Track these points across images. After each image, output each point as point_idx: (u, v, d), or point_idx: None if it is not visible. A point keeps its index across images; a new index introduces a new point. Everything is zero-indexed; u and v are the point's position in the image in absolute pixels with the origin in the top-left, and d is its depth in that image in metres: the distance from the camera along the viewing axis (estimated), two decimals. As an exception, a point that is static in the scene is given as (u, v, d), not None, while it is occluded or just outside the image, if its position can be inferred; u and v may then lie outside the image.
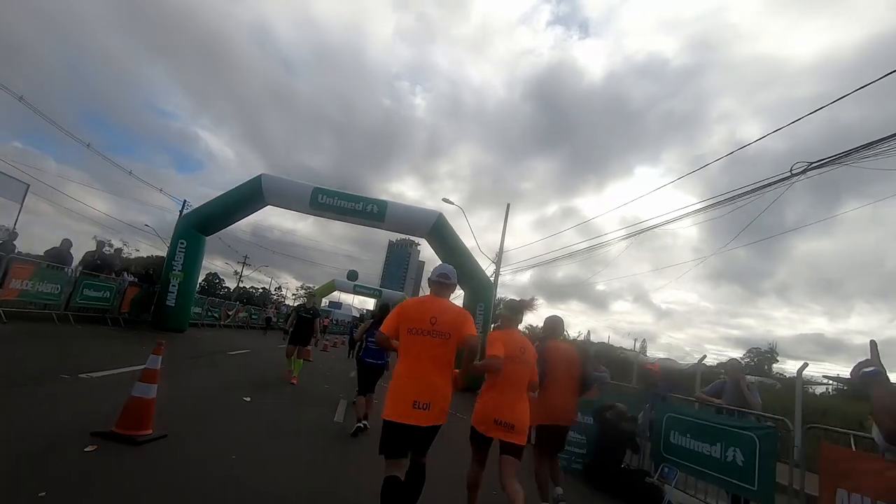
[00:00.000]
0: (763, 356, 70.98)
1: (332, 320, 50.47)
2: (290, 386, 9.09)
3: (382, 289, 49.11)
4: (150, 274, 15.50)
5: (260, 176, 16.24)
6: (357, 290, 43.64)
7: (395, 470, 2.73)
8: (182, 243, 15.66)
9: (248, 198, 16.22)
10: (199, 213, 16.13)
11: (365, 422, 5.83)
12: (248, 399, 6.97)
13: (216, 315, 22.22)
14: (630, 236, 15.23)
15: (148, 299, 15.06)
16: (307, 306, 10.44)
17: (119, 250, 17.16)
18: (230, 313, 24.25)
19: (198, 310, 19.79)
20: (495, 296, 17.81)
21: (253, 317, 28.88)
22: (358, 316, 40.85)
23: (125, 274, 13.72)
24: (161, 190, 26.03)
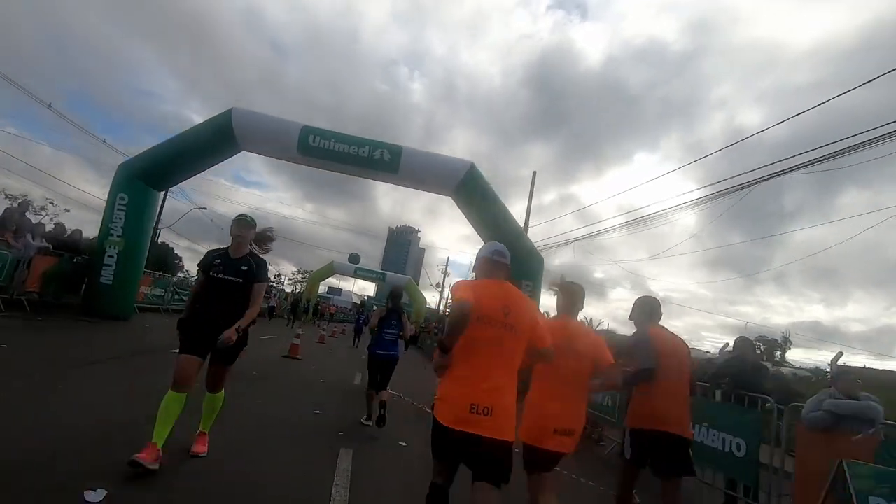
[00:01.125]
0: (769, 343, 68.87)
1: (336, 308, 46.83)
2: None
3: (385, 272, 44.93)
4: (75, 241, 11.26)
5: (230, 111, 11.99)
6: (358, 274, 39.49)
7: (442, 476, 2.35)
8: (122, 199, 11.41)
9: (213, 139, 11.98)
10: (146, 160, 11.85)
11: (381, 412, 5.32)
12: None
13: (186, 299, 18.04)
14: (630, 223, 14.59)
15: (74, 275, 10.92)
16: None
17: (25, 203, 12.61)
18: None
19: (158, 291, 15.64)
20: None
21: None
22: (359, 303, 37.21)
23: (29, 237, 9.51)
24: (104, 141, 21.63)
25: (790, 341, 69.46)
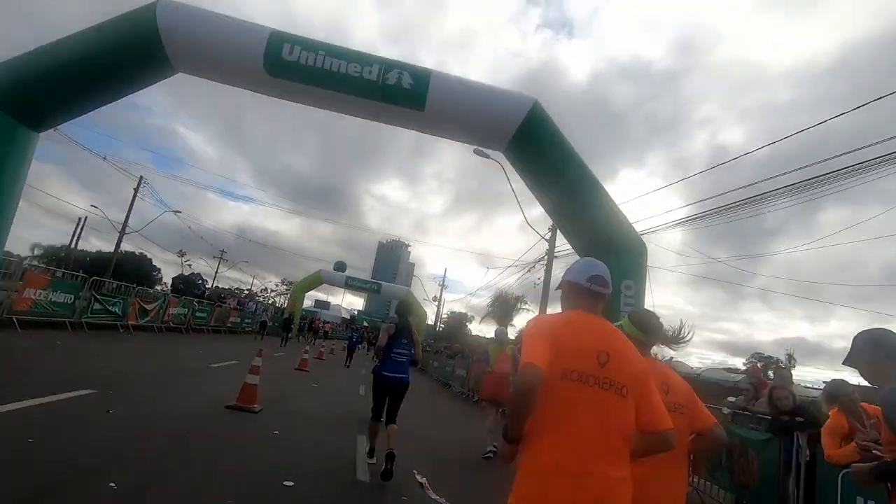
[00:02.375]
0: (767, 362, 66.17)
1: (324, 323, 41.74)
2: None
3: (381, 282, 39.99)
4: None
5: (154, 3, 7.42)
6: (350, 284, 34.56)
7: None
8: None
9: (128, 50, 7.40)
10: (9, 79, 7.19)
11: (387, 466, 4.36)
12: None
13: (117, 311, 13.14)
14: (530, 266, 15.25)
15: None
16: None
17: None
18: (148, 307, 15.06)
19: (62, 299, 10.82)
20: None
21: (246, 320, 19.81)
22: (349, 318, 32.88)
23: None
24: None
25: (794, 359, 66.79)
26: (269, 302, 49.62)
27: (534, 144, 8.12)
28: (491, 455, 6.49)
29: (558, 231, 20.03)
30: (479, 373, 12.30)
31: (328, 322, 46.66)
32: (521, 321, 53.74)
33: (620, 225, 8.12)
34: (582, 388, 1.57)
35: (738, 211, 10.70)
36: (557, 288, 1.96)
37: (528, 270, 21.50)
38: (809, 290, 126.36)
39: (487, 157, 20.40)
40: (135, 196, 41.72)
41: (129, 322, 13.61)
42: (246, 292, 63.69)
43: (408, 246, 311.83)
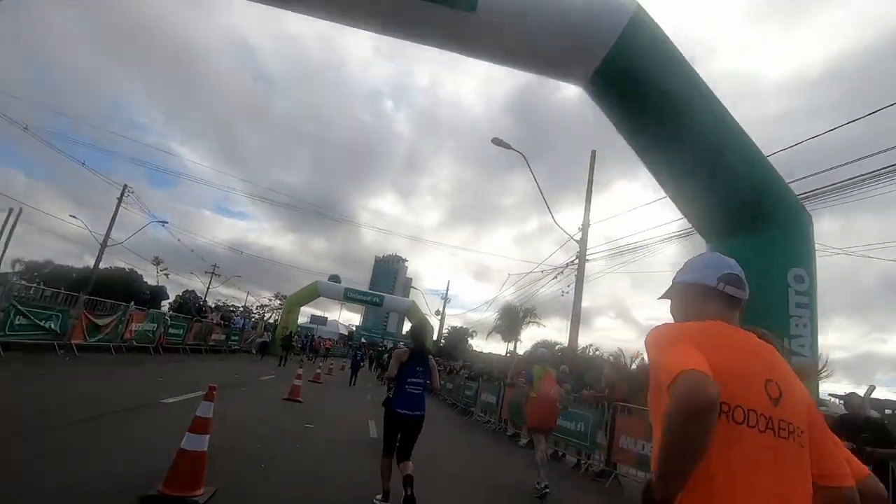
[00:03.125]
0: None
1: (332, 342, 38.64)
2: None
3: (384, 294, 36.89)
4: None
5: None
6: (349, 297, 31.50)
7: None
8: None
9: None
10: None
11: (408, 493, 3.93)
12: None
13: (53, 327, 10.06)
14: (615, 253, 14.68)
15: None
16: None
17: None
18: (101, 322, 11.84)
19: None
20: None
21: (233, 338, 16.72)
22: (346, 334, 30.59)
23: None
24: None
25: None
26: (264, 318, 46.35)
27: (636, 66, 5.40)
28: (547, 491, 5.76)
29: (588, 231, 17.39)
30: (518, 399, 9.90)
31: (329, 339, 43.59)
32: (528, 336, 50.77)
33: (775, 183, 5.36)
34: (753, 436, 1.07)
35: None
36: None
37: (555, 277, 18.72)
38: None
39: (509, 147, 17.78)
40: (118, 206, 38.93)
41: (72, 341, 10.64)
42: (241, 308, 60.22)
43: (405, 260, 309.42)
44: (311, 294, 31.29)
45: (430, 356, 4.70)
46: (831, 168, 8.33)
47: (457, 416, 15.60)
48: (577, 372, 12.91)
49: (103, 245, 36.64)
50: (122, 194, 36.99)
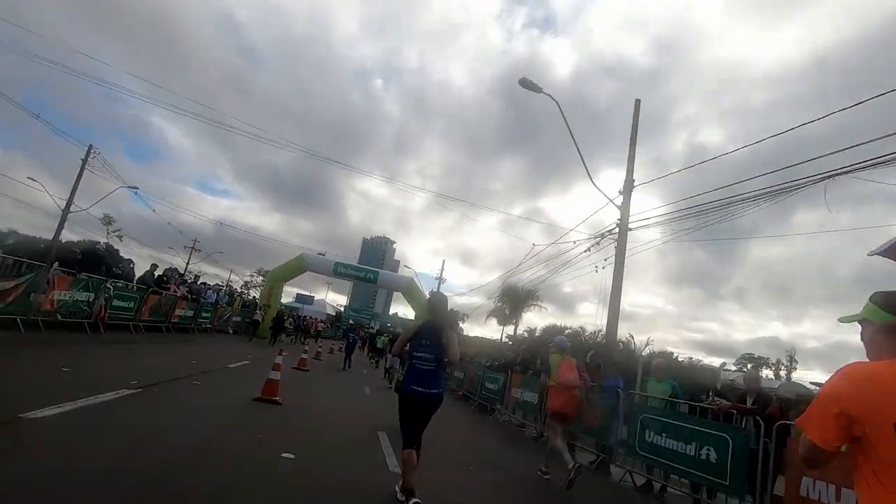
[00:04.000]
0: (757, 362, 63.37)
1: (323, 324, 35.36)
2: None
3: (379, 269, 33.49)
4: None
5: None
6: (339, 272, 28.13)
7: None
8: None
9: None
10: None
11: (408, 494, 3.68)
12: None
13: None
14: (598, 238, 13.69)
15: None
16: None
17: None
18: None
19: None
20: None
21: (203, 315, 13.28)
22: (335, 314, 28.11)
23: None
24: None
25: (796, 360, 63.51)
26: (242, 294, 42.65)
27: None
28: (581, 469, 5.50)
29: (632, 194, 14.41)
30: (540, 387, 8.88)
31: (321, 320, 40.31)
32: (529, 319, 48.05)
33: None
34: None
35: (714, 209, 10.53)
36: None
37: (593, 246, 15.65)
38: (784, 291, 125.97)
39: (540, 90, 14.42)
40: (82, 168, 34.85)
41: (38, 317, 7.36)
42: (224, 287, 55.98)
43: (393, 242, 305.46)
44: (296, 268, 27.73)
45: (448, 330, 4.18)
46: (813, 158, 8.35)
47: (472, 410, 12.79)
48: (616, 365, 10.19)
49: (65, 211, 32.99)
50: (86, 155, 33.20)
